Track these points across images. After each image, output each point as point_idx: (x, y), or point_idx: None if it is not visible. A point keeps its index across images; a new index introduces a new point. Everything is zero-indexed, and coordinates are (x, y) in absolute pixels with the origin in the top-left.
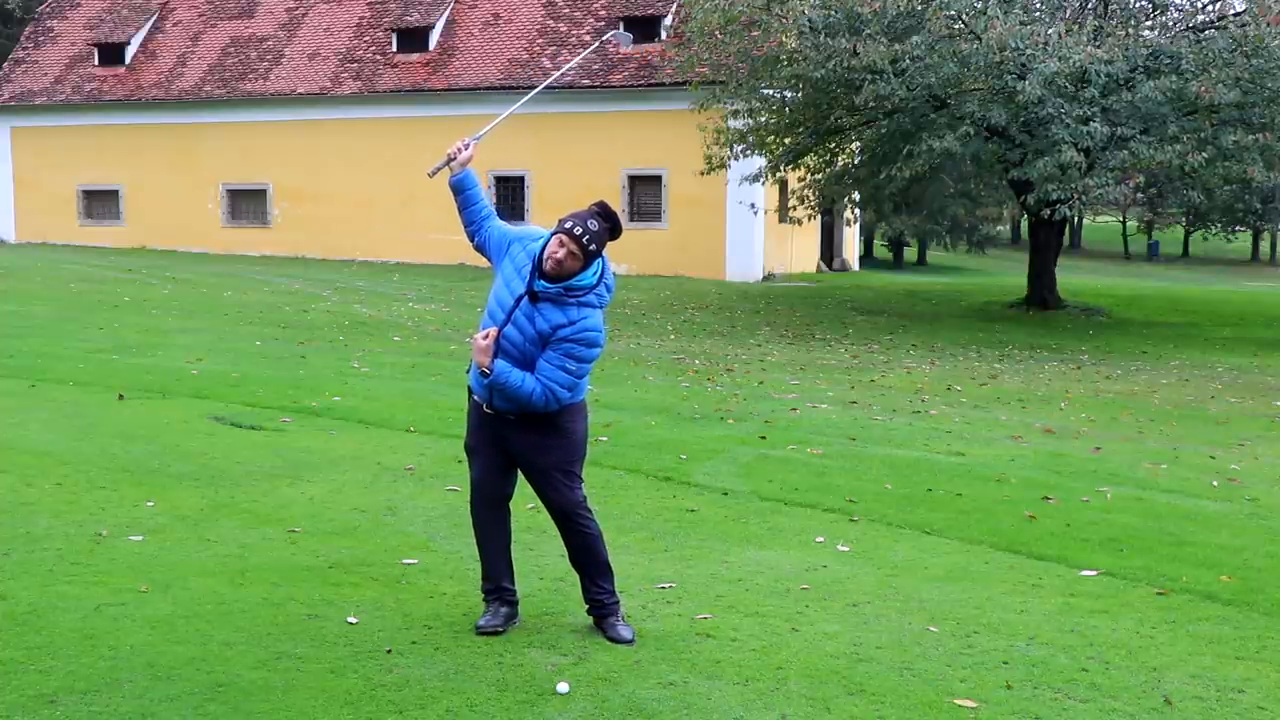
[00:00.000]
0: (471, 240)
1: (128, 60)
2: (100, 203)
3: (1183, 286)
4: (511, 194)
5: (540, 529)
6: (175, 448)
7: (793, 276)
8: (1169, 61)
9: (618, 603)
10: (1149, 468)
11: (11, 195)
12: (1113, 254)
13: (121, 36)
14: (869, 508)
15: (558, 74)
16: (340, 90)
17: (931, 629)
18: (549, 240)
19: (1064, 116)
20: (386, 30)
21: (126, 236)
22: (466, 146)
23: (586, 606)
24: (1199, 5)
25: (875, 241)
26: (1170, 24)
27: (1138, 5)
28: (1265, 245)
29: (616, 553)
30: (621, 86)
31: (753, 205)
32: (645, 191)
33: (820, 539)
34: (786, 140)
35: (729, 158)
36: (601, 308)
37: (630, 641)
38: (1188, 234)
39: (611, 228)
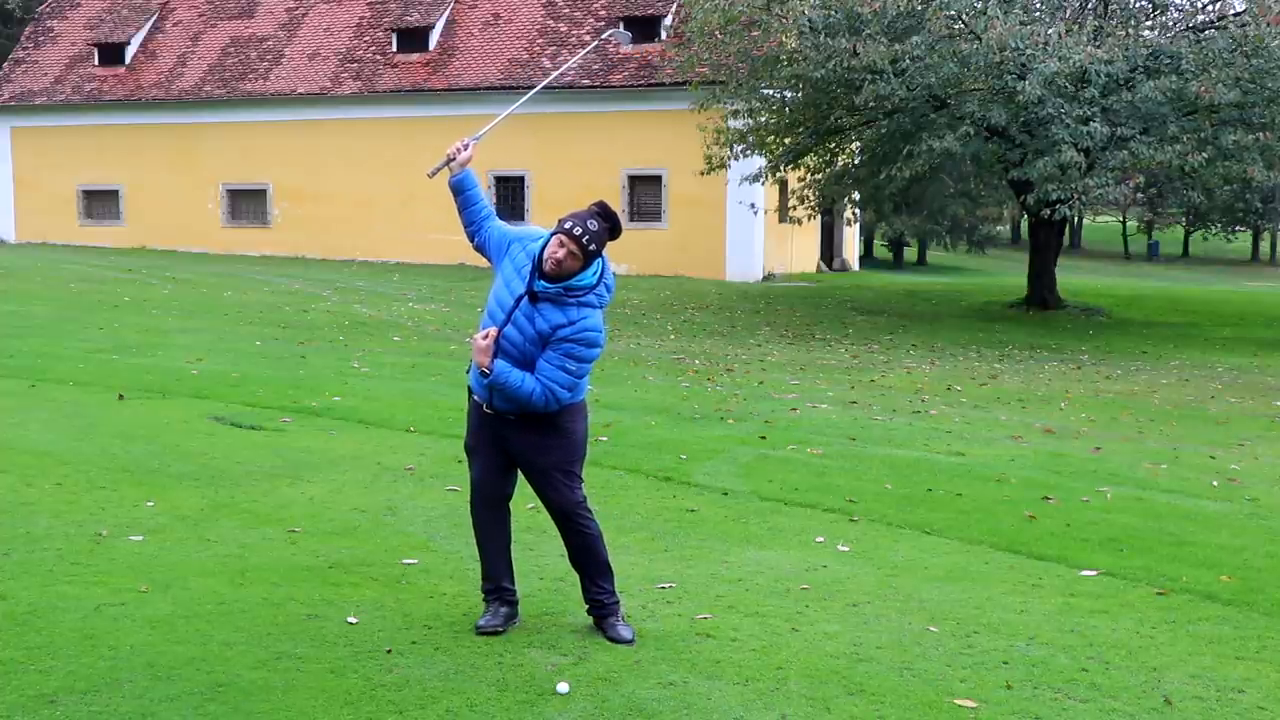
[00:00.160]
0: (471, 240)
1: (128, 60)
2: (100, 203)
3: (1183, 286)
4: (511, 194)
5: (540, 529)
6: (175, 448)
7: (793, 276)
8: (1169, 61)
9: (618, 603)
10: (1149, 468)
11: (11, 195)
12: (1113, 254)
13: (121, 36)
14: (869, 508)
15: (557, 73)
16: (340, 90)
17: (931, 629)
18: (549, 240)
19: (1064, 116)
20: (386, 30)
21: (126, 236)
22: (466, 147)
23: (586, 606)
24: (1199, 5)
25: (875, 241)
26: (1170, 24)
27: (1138, 5)
28: (1265, 245)
29: (616, 553)
30: (621, 86)
31: (753, 205)
32: (645, 191)
33: (820, 539)
34: (786, 140)
35: (729, 158)
36: (601, 308)
37: (630, 641)
38: (1188, 234)
39: (611, 228)
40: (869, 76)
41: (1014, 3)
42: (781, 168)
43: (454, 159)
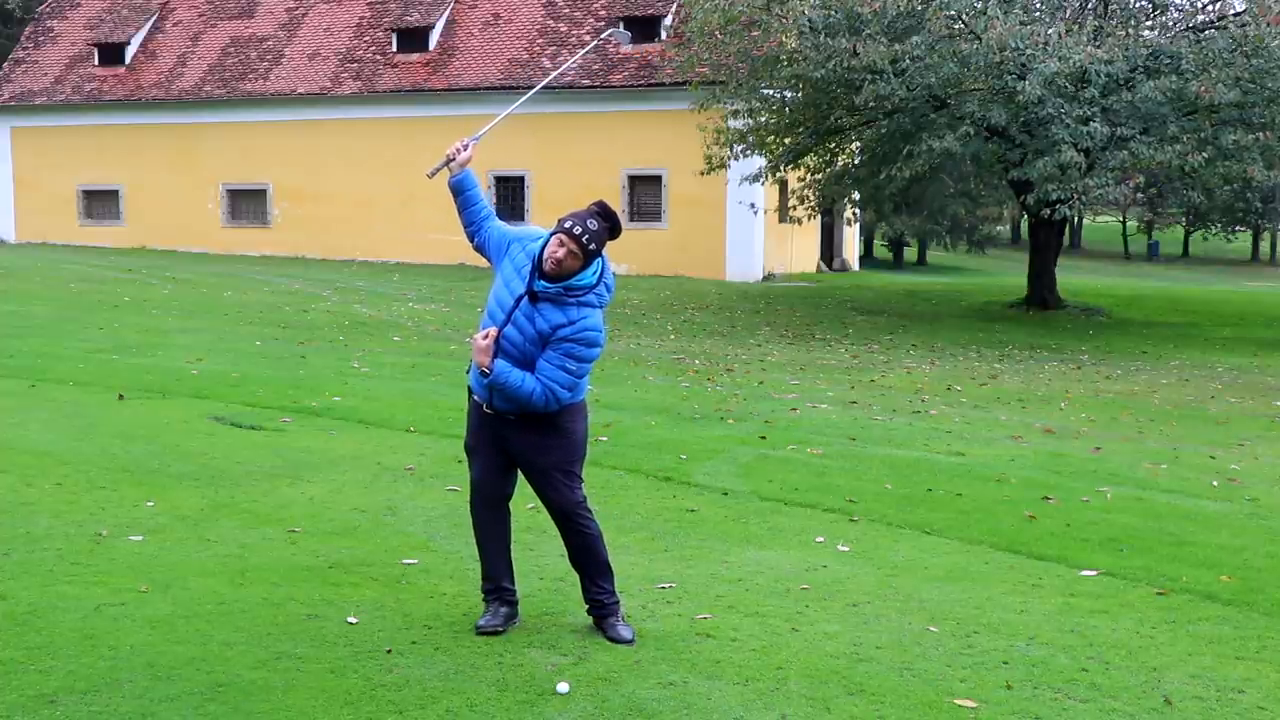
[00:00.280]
0: (471, 241)
1: (128, 60)
2: (100, 203)
3: (1183, 286)
4: (511, 194)
5: (540, 529)
6: (175, 448)
7: (793, 276)
8: (1169, 61)
9: (618, 603)
10: (1149, 468)
11: (11, 195)
12: (1113, 254)
13: (121, 36)
14: (869, 508)
15: (556, 73)
16: (340, 90)
17: (931, 629)
18: (548, 240)
19: (1064, 116)
20: (386, 30)
21: (126, 236)
22: (465, 147)
23: (586, 606)
24: (1199, 5)
25: (875, 241)
26: (1170, 24)
27: (1138, 5)
28: (1265, 245)
29: (616, 553)
30: (621, 86)
31: (753, 205)
32: (645, 191)
33: (820, 539)
34: (786, 140)
35: (729, 158)
36: (601, 307)
37: (630, 641)
38: (1188, 234)
39: (611, 227)
40: (869, 76)
41: (1014, 3)
42: (781, 168)
43: (453, 159)
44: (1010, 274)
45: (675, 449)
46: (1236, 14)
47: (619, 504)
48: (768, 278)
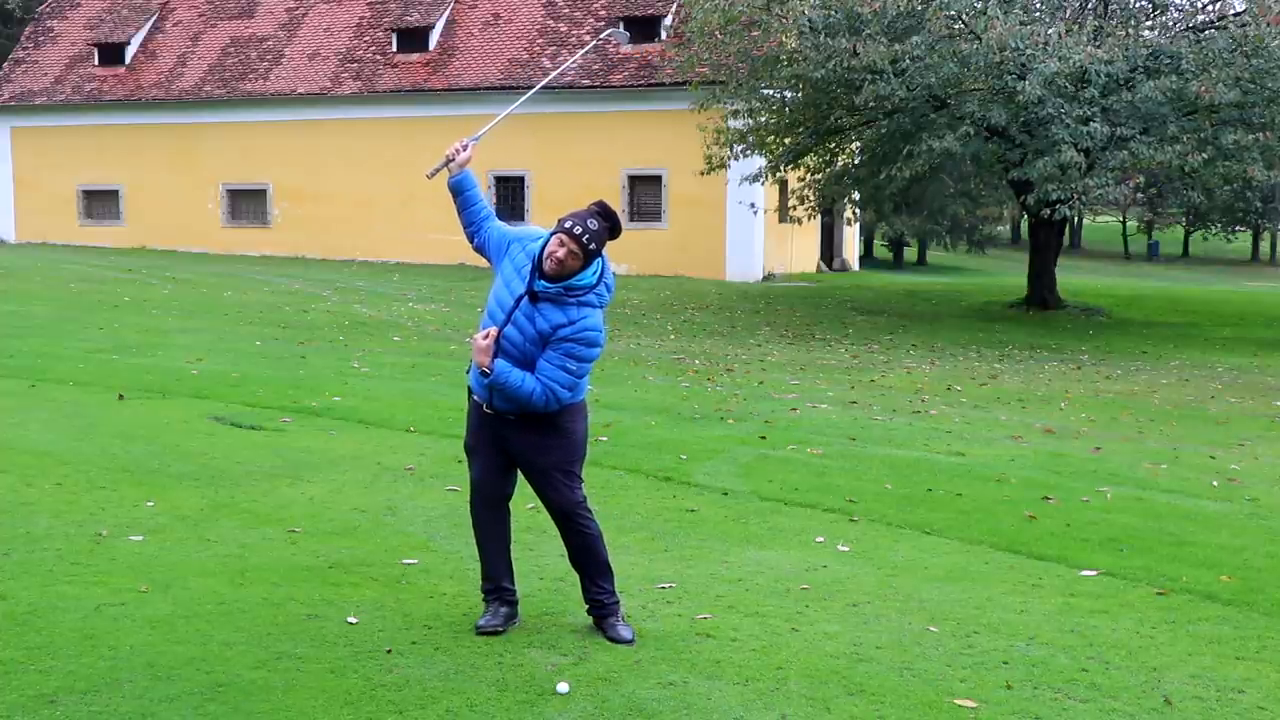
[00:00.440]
0: (471, 241)
1: (128, 60)
2: (100, 203)
3: (1183, 286)
4: (511, 194)
5: (540, 529)
6: (175, 448)
7: (793, 276)
8: (1169, 61)
9: (618, 603)
10: (1149, 468)
11: (11, 195)
12: (1113, 254)
13: (121, 36)
14: (869, 508)
15: (555, 74)
16: (340, 90)
17: (931, 629)
18: (548, 240)
19: (1064, 116)
20: (386, 30)
21: (126, 236)
22: (465, 148)
23: (586, 606)
24: (1199, 5)
25: (875, 241)
26: (1170, 24)
27: (1138, 5)
28: (1265, 245)
29: (616, 553)
30: (621, 86)
31: (753, 205)
32: (645, 191)
33: (820, 539)
34: (786, 140)
35: (729, 158)
36: (601, 307)
37: (630, 641)
38: (1188, 234)
39: (611, 227)
40: (869, 76)
41: (1014, 3)
42: (781, 168)
43: (453, 160)
44: (1010, 274)
45: (675, 449)
46: (1236, 14)
47: (619, 504)
48: (768, 278)
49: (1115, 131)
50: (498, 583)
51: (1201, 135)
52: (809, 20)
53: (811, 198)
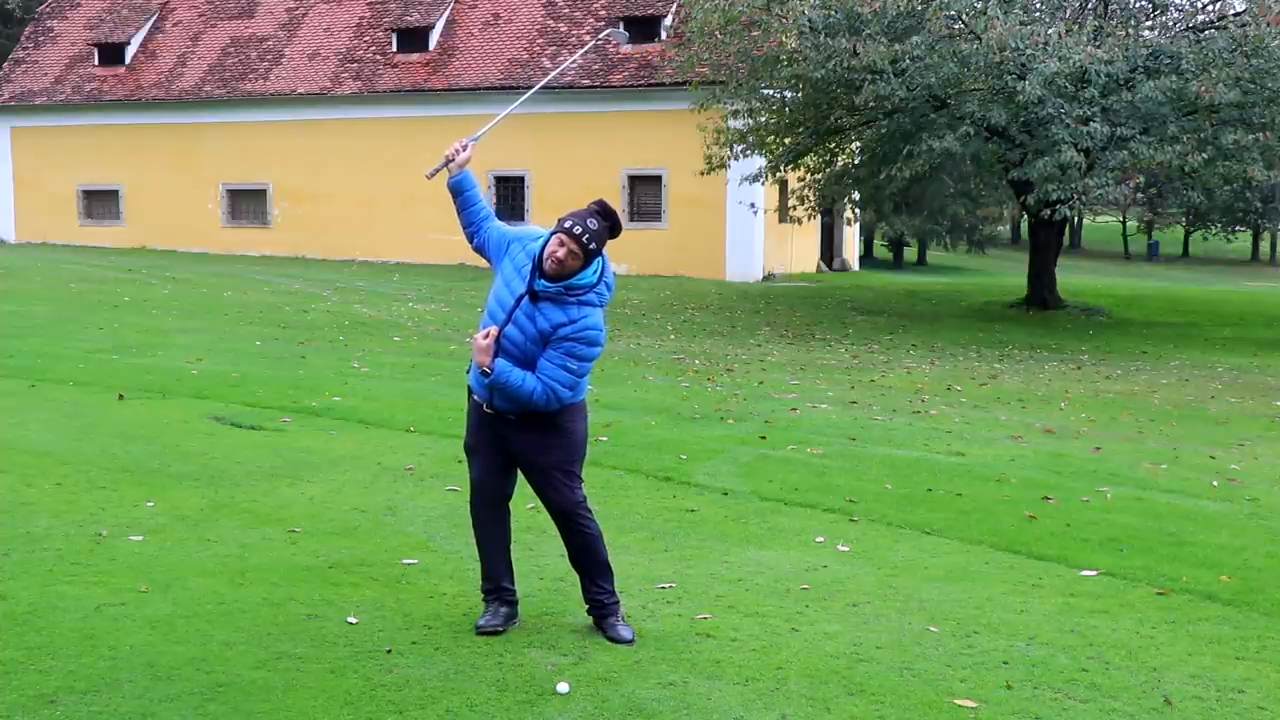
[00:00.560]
0: (470, 242)
1: (128, 60)
2: (100, 203)
3: (1183, 286)
4: (511, 194)
5: (540, 529)
6: (175, 448)
7: (793, 276)
8: (1169, 61)
9: (618, 603)
10: (1149, 468)
11: (11, 195)
12: (1113, 254)
13: (121, 36)
14: (869, 508)
15: (553, 74)
16: (340, 90)
17: (931, 629)
18: (548, 240)
19: (1064, 116)
20: (386, 30)
21: (126, 236)
22: (464, 148)
23: (586, 606)
24: (1199, 5)
25: (875, 241)
26: (1170, 24)
27: (1138, 5)
28: (1265, 245)
29: (616, 553)
30: (621, 86)
31: (753, 205)
32: (645, 191)
33: (820, 539)
34: (786, 140)
35: (729, 158)
36: (602, 306)
37: (630, 641)
38: (1188, 234)
39: (611, 226)
40: (869, 76)
41: (1014, 3)
42: (781, 168)
43: (452, 160)
44: (1010, 274)
45: (675, 449)
46: (1236, 14)
47: (619, 504)
48: (768, 278)
49: (1115, 131)
50: (498, 583)
51: (1201, 135)
52: (809, 20)
53: (811, 198)
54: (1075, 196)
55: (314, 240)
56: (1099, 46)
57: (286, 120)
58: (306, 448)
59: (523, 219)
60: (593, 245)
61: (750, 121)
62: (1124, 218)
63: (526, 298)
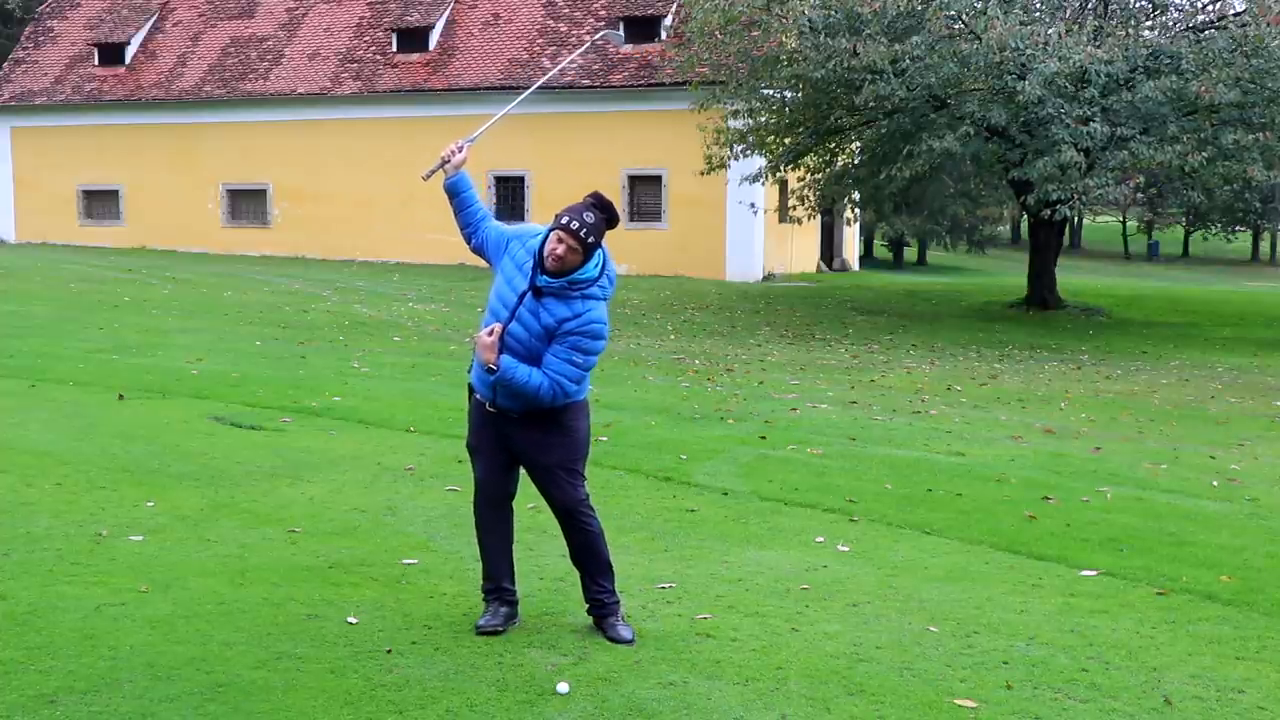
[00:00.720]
0: (469, 243)
1: (128, 60)
2: (100, 203)
3: (1183, 286)
4: (511, 194)
5: (541, 529)
6: (175, 448)
7: (793, 276)
8: (1169, 61)
9: (618, 602)
10: (1149, 468)
11: (11, 195)
12: (1113, 254)
13: (121, 36)
14: (869, 508)
15: (552, 73)
16: (340, 90)
17: (931, 629)
18: (547, 237)
19: (1064, 116)
20: (386, 30)
21: (126, 236)
22: (460, 149)
23: (586, 606)
24: (1199, 5)
25: (875, 241)
26: (1170, 24)
27: (1138, 5)
28: (1265, 245)
29: (616, 553)
30: (621, 86)
31: (753, 205)
32: (645, 191)
33: (820, 539)
34: (786, 140)
35: (729, 158)
36: (605, 299)
37: (630, 641)
38: (1188, 234)
39: (608, 218)
40: (869, 76)
41: (1014, 3)
42: (781, 168)
43: (448, 161)
44: (1010, 274)
45: (675, 449)
46: (1236, 14)
47: (619, 504)
48: (768, 278)
49: (1115, 131)
50: (498, 583)
51: (1201, 135)
52: (809, 20)
53: (811, 198)
54: (1075, 196)
55: (314, 240)
56: (1099, 46)
57: (286, 120)
58: (306, 448)
59: (523, 219)
60: (591, 239)
61: (750, 121)
62: (1124, 218)
63: (529, 294)
